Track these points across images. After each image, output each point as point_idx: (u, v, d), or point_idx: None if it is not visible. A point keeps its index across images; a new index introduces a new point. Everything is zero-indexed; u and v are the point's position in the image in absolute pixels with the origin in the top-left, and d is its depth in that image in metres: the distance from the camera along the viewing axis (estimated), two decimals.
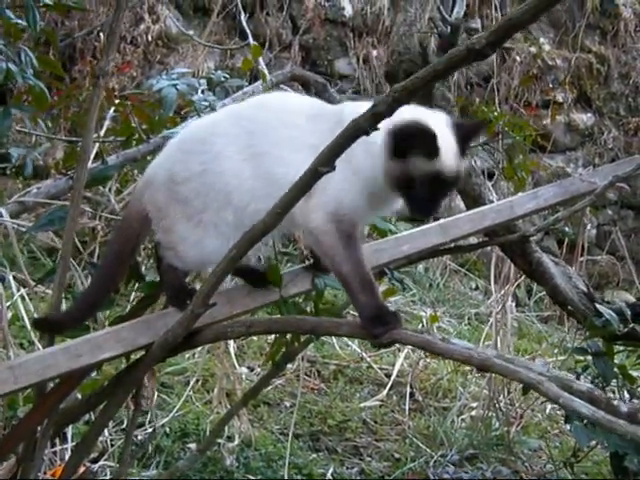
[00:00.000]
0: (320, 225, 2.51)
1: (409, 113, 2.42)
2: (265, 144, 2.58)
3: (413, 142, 2.42)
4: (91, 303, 2.80)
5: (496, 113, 4.09)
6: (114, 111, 4.05)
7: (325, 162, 2.17)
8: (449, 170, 2.46)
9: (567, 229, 8.52)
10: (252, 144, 2.59)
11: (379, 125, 2.12)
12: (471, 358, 2.28)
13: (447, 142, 2.46)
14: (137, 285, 3.04)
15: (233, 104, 3.38)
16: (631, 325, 3.37)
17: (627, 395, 3.73)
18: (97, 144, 3.75)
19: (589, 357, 3.52)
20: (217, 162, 2.61)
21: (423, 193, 2.45)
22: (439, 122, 2.49)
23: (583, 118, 9.91)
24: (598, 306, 3.52)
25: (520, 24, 1.87)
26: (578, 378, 3.79)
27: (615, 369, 3.48)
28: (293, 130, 2.58)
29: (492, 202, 3.90)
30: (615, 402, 2.34)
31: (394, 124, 2.37)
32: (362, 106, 2.24)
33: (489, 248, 6.00)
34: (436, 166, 2.43)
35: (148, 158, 3.67)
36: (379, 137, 2.38)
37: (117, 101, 3.91)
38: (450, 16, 4.21)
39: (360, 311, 2.48)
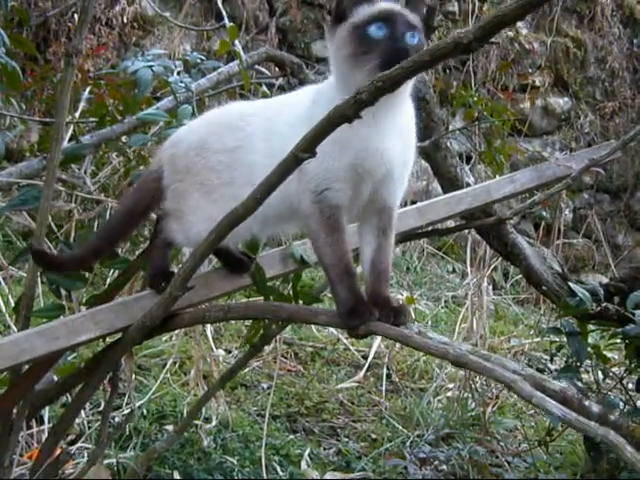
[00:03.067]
0: (307, 207, 2.44)
1: None
2: (287, 128, 2.48)
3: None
4: (93, 251, 2.80)
5: (475, 98, 4.08)
6: (89, 92, 4.02)
7: (306, 148, 2.16)
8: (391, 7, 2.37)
9: (544, 213, 8.61)
10: (277, 125, 2.55)
11: None
12: (447, 354, 2.28)
13: None
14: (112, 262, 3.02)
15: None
16: (604, 304, 3.39)
17: (600, 375, 3.78)
18: (72, 126, 3.72)
19: (563, 337, 3.55)
20: (249, 140, 2.58)
21: (380, 34, 2.30)
22: None
23: (560, 102, 9.94)
24: (572, 285, 3.54)
25: (509, 21, 1.85)
26: (552, 359, 3.85)
27: (589, 349, 3.51)
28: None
29: (469, 184, 3.91)
30: (587, 403, 2.36)
31: None
32: None
33: (466, 231, 6.04)
34: (377, 7, 2.35)
35: (123, 139, 3.66)
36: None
37: (92, 82, 3.88)
38: None
39: (338, 303, 2.43)
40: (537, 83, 9.69)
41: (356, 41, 2.33)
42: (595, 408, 2.28)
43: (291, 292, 3.03)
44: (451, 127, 4.30)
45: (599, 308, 3.38)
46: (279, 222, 2.69)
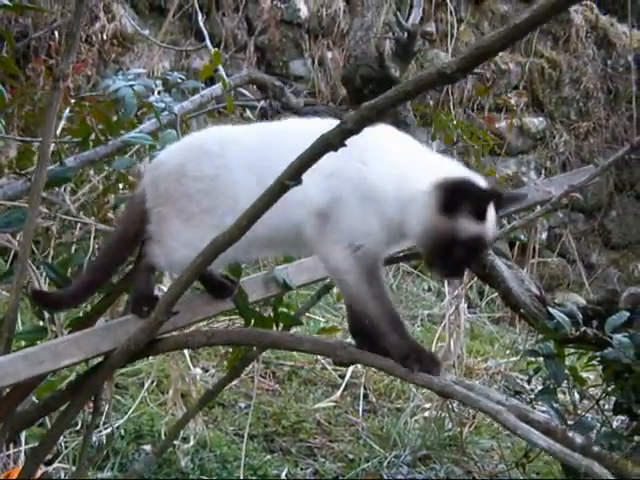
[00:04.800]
0: (340, 263, 2.46)
1: (455, 170, 2.43)
2: (275, 160, 2.36)
3: (466, 200, 2.35)
4: (89, 284, 2.80)
5: (454, 121, 4.13)
6: (70, 111, 4.01)
7: (292, 176, 2.17)
8: (489, 237, 2.41)
9: (522, 236, 8.65)
10: (264, 157, 2.54)
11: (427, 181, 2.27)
12: (432, 384, 2.31)
13: (491, 207, 2.42)
14: None
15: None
16: (583, 328, 3.42)
17: (577, 395, 3.80)
18: (53, 144, 3.70)
19: (540, 359, 3.57)
20: (229, 168, 2.58)
21: (460, 254, 2.38)
22: (485, 186, 2.44)
23: (535, 122, 10.04)
24: (550, 309, 3.57)
25: (490, 52, 1.89)
26: (530, 380, 3.87)
27: (566, 371, 3.53)
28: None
29: None
30: (570, 434, 2.38)
31: (446, 179, 2.34)
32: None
33: None
34: (481, 230, 2.38)
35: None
36: (420, 186, 2.38)
37: (73, 101, 3.87)
38: (407, 21, 4.24)
39: (392, 350, 2.40)
40: (513, 103, 9.78)
41: (441, 244, 2.38)
42: (578, 439, 2.31)
43: (272, 315, 3.04)
44: None
45: (578, 332, 3.40)
46: (270, 247, 2.72)
